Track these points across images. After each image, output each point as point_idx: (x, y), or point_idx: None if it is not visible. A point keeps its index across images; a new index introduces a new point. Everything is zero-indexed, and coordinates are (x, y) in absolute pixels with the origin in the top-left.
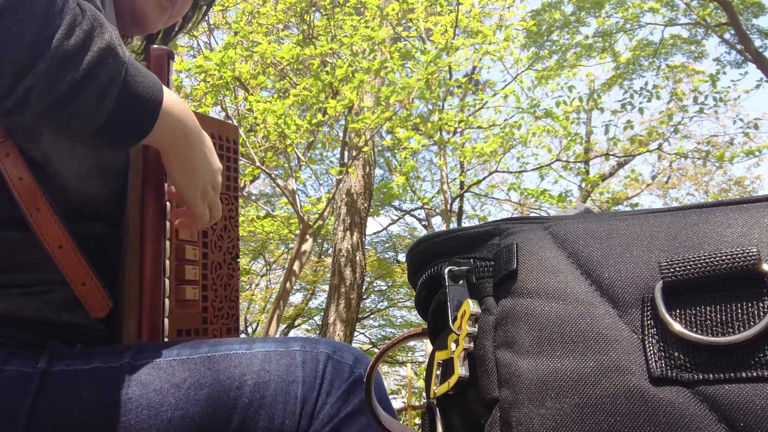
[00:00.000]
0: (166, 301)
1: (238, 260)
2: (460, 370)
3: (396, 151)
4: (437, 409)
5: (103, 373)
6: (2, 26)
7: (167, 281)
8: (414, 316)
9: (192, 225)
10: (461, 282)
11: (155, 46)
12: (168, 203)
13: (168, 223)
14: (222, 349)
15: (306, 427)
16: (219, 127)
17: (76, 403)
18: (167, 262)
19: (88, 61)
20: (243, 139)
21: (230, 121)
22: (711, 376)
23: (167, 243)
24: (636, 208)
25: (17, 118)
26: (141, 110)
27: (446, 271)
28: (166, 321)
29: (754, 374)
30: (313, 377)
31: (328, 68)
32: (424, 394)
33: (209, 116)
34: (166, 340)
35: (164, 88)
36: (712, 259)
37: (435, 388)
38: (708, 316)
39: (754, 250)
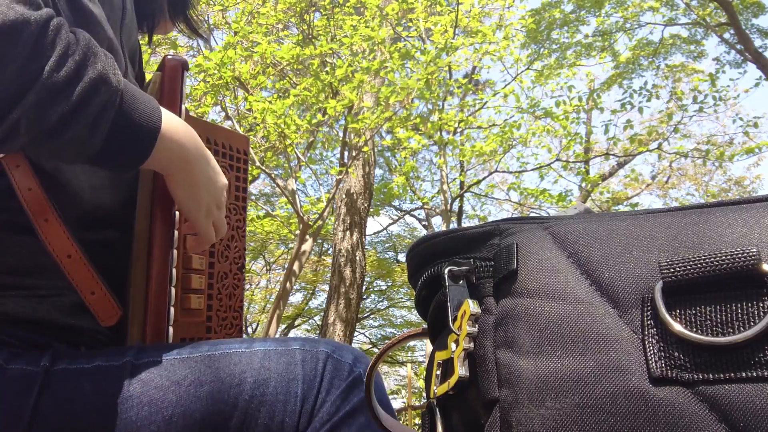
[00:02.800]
0: (171, 309)
1: (244, 270)
2: (460, 370)
3: (396, 151)
4: (437, 409)
5: (104, 371)
6: None
7: (173, 290)
8: (414, 316)
9: (197, 243)
10: (461, 282)
11: (170, 56)
12: (177, 212)
13: (176, 233)
14: (222, 348)
15: (305, 425)
16: (229, 137)
17: (79, 400)
18: (174, 270)
19: (79, 92)
20: None
21: (230, 122)
22: (711, 376)
23: (174, 252)
24: (636, 208)
25: (8, 147)
26: (137, 137)
27: (446, 271)
28: (171, 329)
29: (754, 374)
30: (313, 375)
31: (327, 68)
32: (424, 394)
33: (220, 126)
34: None
35: (164, 111)
36: (712, 259)
37: (435, 388)
38: (708, 316)
39: (754, 250)
